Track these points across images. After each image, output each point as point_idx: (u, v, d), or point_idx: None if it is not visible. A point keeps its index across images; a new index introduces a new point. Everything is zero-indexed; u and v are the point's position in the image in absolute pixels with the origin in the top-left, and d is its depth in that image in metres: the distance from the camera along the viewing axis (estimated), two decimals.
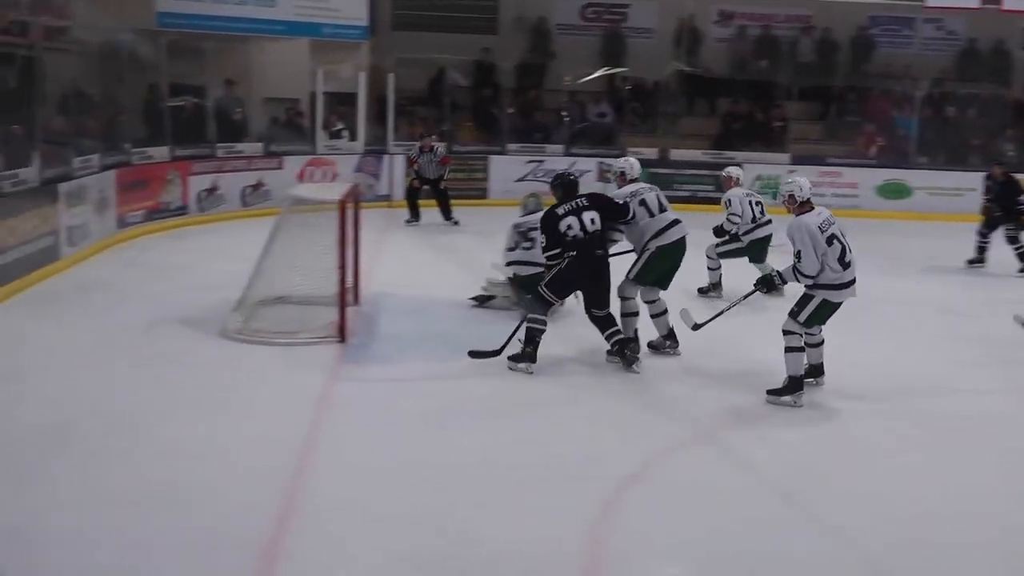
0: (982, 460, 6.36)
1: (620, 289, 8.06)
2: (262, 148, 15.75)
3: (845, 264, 6.95)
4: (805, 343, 7.13)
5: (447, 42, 18.84)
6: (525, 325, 7.74)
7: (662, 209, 8.12)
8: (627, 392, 7.39)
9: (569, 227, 7.60)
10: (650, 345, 8.20)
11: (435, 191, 15.03)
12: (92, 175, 11.92)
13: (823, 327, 7.26)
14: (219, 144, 15.14)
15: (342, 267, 8.30)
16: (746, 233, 10.34)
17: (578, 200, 7.74)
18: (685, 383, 7.64)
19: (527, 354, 7.66)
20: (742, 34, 20.88)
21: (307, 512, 5.21)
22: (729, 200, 10.37)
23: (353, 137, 17.02)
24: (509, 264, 9.32)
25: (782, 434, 6.68)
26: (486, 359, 7.75)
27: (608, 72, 19.52)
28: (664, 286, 8.20)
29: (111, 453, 5.88)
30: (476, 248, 9.78)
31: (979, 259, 12.77)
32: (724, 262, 10.46)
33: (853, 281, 7.02)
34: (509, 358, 7.71)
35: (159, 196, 13.86)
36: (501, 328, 7.94)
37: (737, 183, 10.67)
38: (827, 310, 7.04)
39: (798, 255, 6.92)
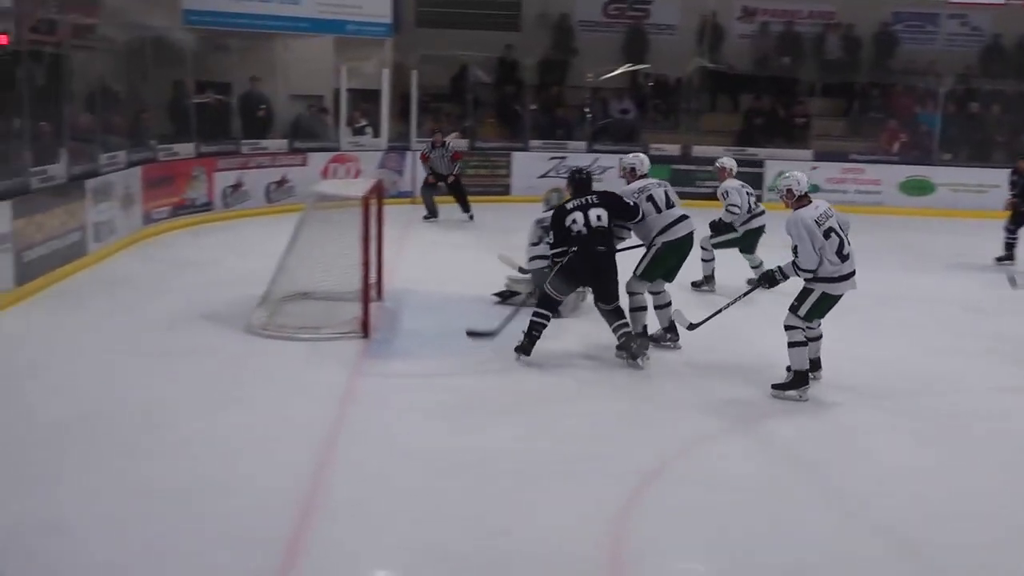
0: (996, 459, 6.31)
1: (628, 285, 8.08)
2: (286, 145, 15.80)
3: (843, 257, 6.94)
4: (806, 337, 7.13)
5: (470, 39, 18.84)
6: (529, 318, 7.79)
7: (669, 205, 8.15)
8: (638, 388, 7.39)
9: (574, 221, 7.63)
10: (651, 338, 8.19)
11: (449, 186, 15.06)
12: (118, 171, 12.00)
13: (822, 321, 7.24)
14: (244, 141, 15.19)
15: (365, 263, 8.33)
16: (742, 224, 10.35)
17: (588, 197, 7.77)
18: (690, 378, 7.62)
19: (522, 345, 7.74)
20: (765, 30, 20.81)
21: (330, 506, 5.23)
22: (727, 191, 10.37)
23: (376, 134, 17.05)
24: (532, 259, 9.32)
25: (794, 429, 6.67)
26: (482, 339, 7.87)
27: (631, 68, 19.46)
28: (670, 279, 8.29)
29: (136, 447, 5.92)
30: (498, 244, 9.81)
31: (1008, 256, 12.67)
32: (716, 254, 10.51)
33: (852, 273, 7.01)
34: (515, 348, 7.78)
35: (184, 192, 13.93)
36: (523, 324, 7.94)
37: (731, 174, 10.67)
38: (827, 303, 7.03)
39: (795, 249, 6.95)
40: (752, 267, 10.59)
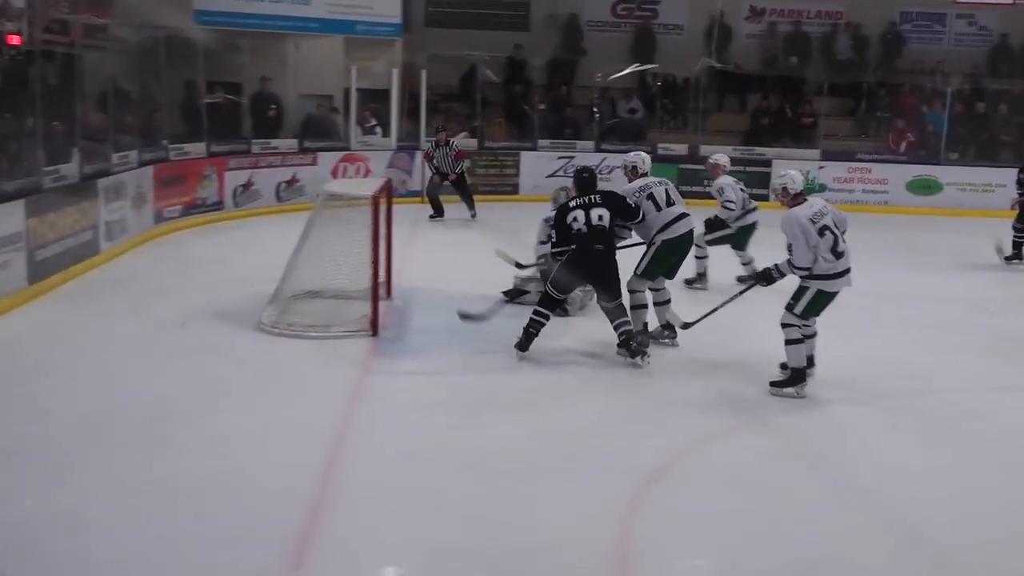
0: (999, 458, 6.28)
1: (629, 283, 8.10)
2: (297, 144, 15.83)
3: (838, 254, 6.95)
4: (802, 335, 7.13)
5: (479, 39, 18.85)
6: (530, 315, 7.83)
7: (670, 203, 8.18)
8: (640, 386, 7.37)
9: (575, 220, 7.65)
10: (649, 335, 8.18)
11: (453, 184, 15.09)
12: (130, 171, 12.03)
13: (817, 319, 7.22)
14: (254, 140, 15.23)
15: (375, 262, 8.34)
16: (735, 220, 10.35)
17: (591, 196, 7.78)
18: (692, 376, 7.61)
19: (520, 342, 7.78)
20: (772, 30, 20.80)
21: (339, 502, 5.24)
22: (722, 188, 10.40)
23: (386, 133, 17.08)
24: (541, 257, 9.34)
25: (797, 427, 6.66)
26: (472, 322, 8.03)
27: (639, 68, 19.45)
28: (671, 276, 8.35)
29: (148, 443, 5.93)
30: (507, 243, 9.83)
31: (1016, 255, 12.62)
32: (709, 251, 10.53)
33: (847, 271, 7.01)
34: (515, 345, 7.81)
35: (195, 192, 13.97)
36: (522, 320, 7.96)
37: (725, 170, 10.68)
38: (823, 300, 7.03)
39: (790, 248, 6.98)
40: (743, 264, 10.61)
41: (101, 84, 11.76)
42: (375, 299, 8.33)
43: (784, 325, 7.09)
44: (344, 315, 8.54)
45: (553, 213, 9.21)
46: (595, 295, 8.58)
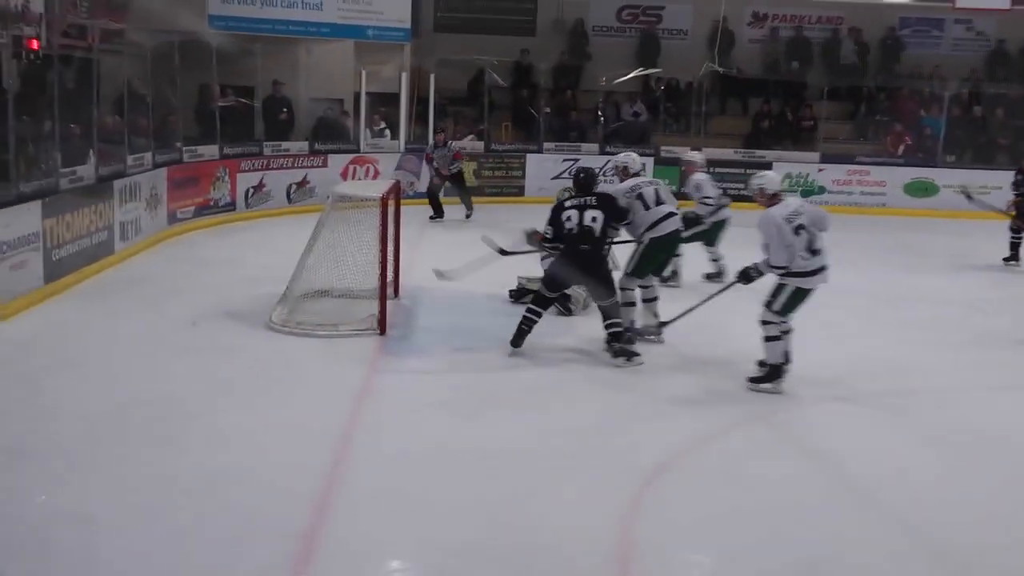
0: (996, 458, 6.25)
1: (620, 282, 8.12)
2: (307, 146, 15.83)
3: (814, 252, 6.97)
4: (780, 331, 7.12)
5: (487, 44, 18.84)
6: (523, 313, 7.87)
7: (659, 203, 8.21)
8: (637, 385, 7.34)
9: (568, 219, 7.67)
10: (636, 331, 8.17)
11: (450, 183, 15.10)
12: (145, 172, 12.03)
13: (793, 316, 7.20)
14: (266, 143, 15.23)
15: (383, 262, 8.35)
16: (709, 216, 10.35)
17: (587, 198, 7.79)
18: (685, 374, 7.60)
19: (513, 338, 7.81)
20: (774, 35, 20.76)
21: (346, 500, 5.23)
22: (699, 184, 10.42)
23: (395, 136, 17.08)
24: (546, 257, 9.32)
25: (795, 426, 6.67)
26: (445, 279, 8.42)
27: (643, 73, 19.42)
28: (659, 274, 8.48)
29: (160, 440, 5.93)
30: (511, 243, 9.83)
31: (1014, 256, 12.57)
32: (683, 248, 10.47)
33: (823, 268, 7.03)
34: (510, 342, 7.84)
35: (208, 193, 13.98)
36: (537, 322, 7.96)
37: (699, 167, 10.67)
38: (800, 297, 7.04)
39: (766, 247, 7.00)
40: (712, 260, 10.59)
41: (117, 88, 11.77)
42: (383, 298, 8.34)
43: (763, 322, 7.11)
44: (352, 314, 8.54)
45: None
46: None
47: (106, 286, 9.93)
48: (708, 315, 7.94)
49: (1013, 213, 12.55)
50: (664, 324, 7.96)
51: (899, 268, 12.38)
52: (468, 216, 14.99)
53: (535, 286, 9.41)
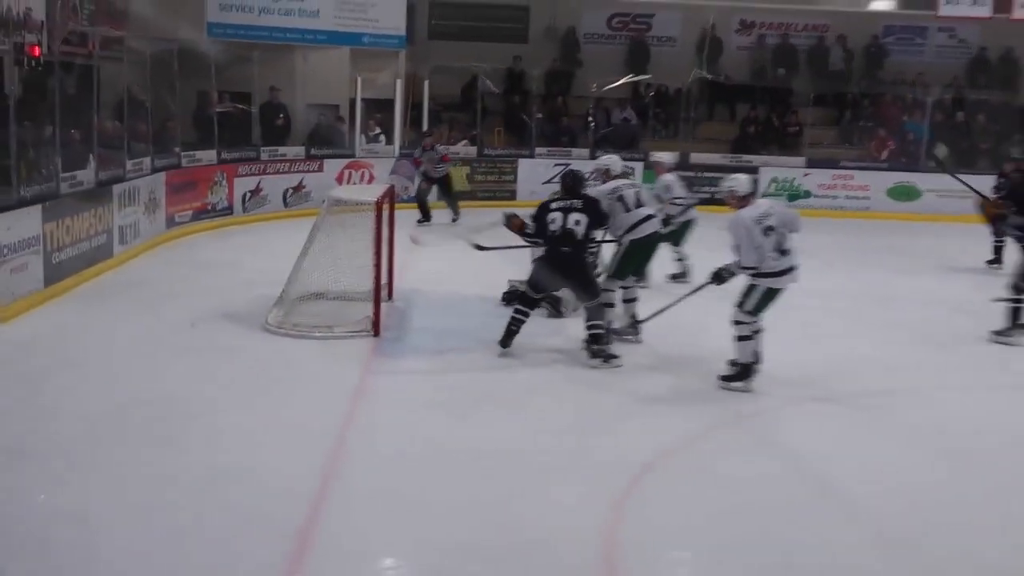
0: (981, 459, 6.27)
1: (601, 284, 8.14)
2: (304, 151, 15.82)
3: (783, 252, 7.01)
4: (751, 331, 7.15)
5: (480, 51, 18.84)
6: (511, 314, 7.89)
7: (639, 205, 8.27)
8: (624, 385, 7.32)
9: (552, 220, 7.68)
10: (614, 331, 8.19)
11: (439, 188, 15.06)
12: (144, 177, 12.02)
13: (763, 315, 7.22)
14: (263, 148, 15.21)
15: (377, 264, 8.35)
16: (678, 216, 10.33)
17: (573, 200, 7.79)
18: (674, 375, 7.62)
19: (502, 339, 7.82)
20: (761, 43, 20.79)
21: (340, 498, 5.24)
22: (669, 185, 10.42)
23: (389, 141, 17.07)
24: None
25: (781, 426, 6.72)
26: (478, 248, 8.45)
27: (632, 79, 19.43)
28: (639, 274, 8.51)
29: (153, 441, 5.93)
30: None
31: (997, 259, 12.57)
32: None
33: (792, 268, 7.06)
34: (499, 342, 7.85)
35: (206, 197, 13.95)
36: (528, 323, 7.95)
37: (668, 169, 10.68)
38: (770, 297, 7.08)
39: (737, 248, 7.04)
40: (676, 260, 10.59)
41: (117, 94, 11.76)
42: (377, 301, 8.34)
43: (735, 322, 7.14)
44: (347, 316, 8.54)
45: None
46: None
47: (105, 289, 9.91)
48: (686, 315, 7.95)
49: (990, 203, 12.27)
50: (639, 322, 7.98)
51: (883, 270, 12.40)
52: (455, 220, 14.93)
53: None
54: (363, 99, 16.67)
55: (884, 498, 5.52)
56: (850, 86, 20.07)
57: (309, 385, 7.14)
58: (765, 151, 18.47)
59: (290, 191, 15.43)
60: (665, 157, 10.93)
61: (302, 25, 16.21)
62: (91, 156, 10.57)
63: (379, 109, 17.20)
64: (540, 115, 18.71)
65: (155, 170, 12.44)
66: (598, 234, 8.28)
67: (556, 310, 9.10)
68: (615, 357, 7.68)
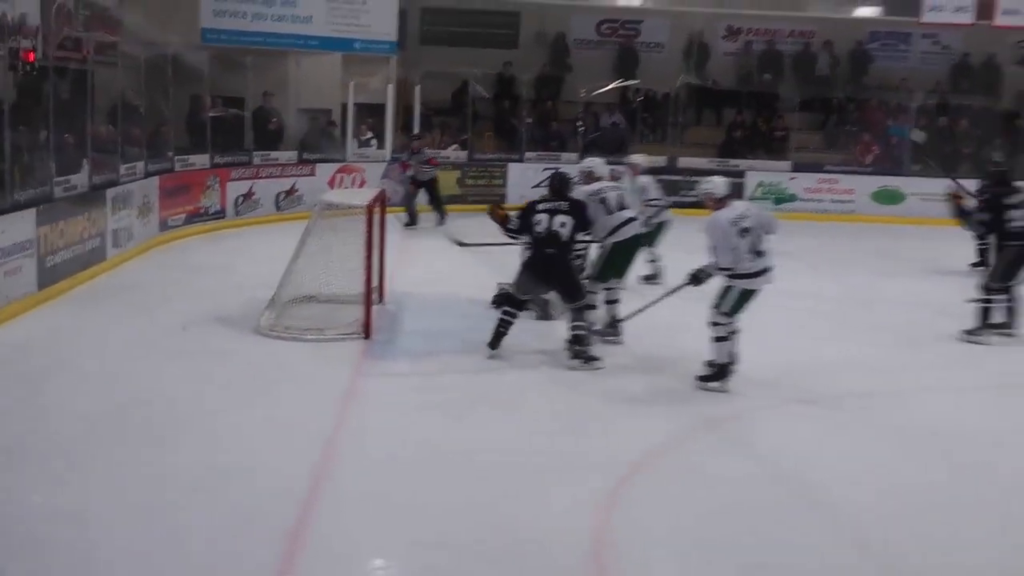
0: (963, 460, 6.27)
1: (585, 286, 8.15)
2: (296, 156, 15.79)
3: (758, 254, 7.03)
4: (728, 332, 7.16)
5: (471, 56, 18.85)
6: (498, 316, 7.88)
7: (621, 207, 8.28)
8: (611, 386, 7.33)
9: (538, 222, 7.66)
10: (595, 332, 8.18)
11: (427, 191, 15.06)
12: (137, 181, 11.99)
13: (739, 316, 7.22)
14: (256, 152, 15.17)
15: (368, 268, 8.33)
16: (653, 217, 10.27)
17: (559, 203, 7.78)
18: (664, 376, 7.60)
19: (490, 340, 7.82)
20: (748, 49, 20.83)
21: (332, 499, 5.23)
22: (645, 187, 10.40)
23: (381, 146, 17.05)
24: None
25: (765, 427, 6.73)
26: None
27: (621, 84, 19.45)
28: (620, 276, 8.48)
29: (147, 442, 5.92)
30: (495, 250, 9.79)
31: (981, 261, 12.57)
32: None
33: (767, 269, 7.08)
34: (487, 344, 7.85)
35: (199, 201, 13.90)
36: (517, 326, 7.94)
37: (641, 171, 10.67)
38: (746, 298, 7.10)
39: (713, 249, 7.06)
40: (649, 261, 10.58)
41: (111, 99, 11.74)
42: (368, 303, 8.33)
43: (712, 324, 7.15)
44: (338, 319, 8.53)
45: None
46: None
47: (99, 292, 9.88)
48: (663, 315, 7.96)
49: (957, 192, 12.07)
50: (619, 322, 7.99)
51: (868, 273, 12.43)
52: (441, 224, 14.90)
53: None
54: (355, 104, 16.64)
55: (869, 498, 5.52)
56: (835, 91, 20.14)
57: (301, 387, 7.12)
58: (752, 155, 18.49)
59: (282, 195, 15.39)
60: (640, 159, 10.91)
61: (295, 31, 16.18)
62: (85, 160, 10.54)
63: (371, 114, 17.18)
64: (530, 120, 18.70)
65: (148, 174, 12.40)
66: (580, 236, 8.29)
67: (545, 312, 9.09)
68: (596, 359, 7.68)
